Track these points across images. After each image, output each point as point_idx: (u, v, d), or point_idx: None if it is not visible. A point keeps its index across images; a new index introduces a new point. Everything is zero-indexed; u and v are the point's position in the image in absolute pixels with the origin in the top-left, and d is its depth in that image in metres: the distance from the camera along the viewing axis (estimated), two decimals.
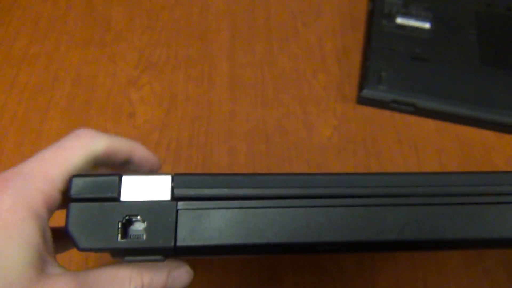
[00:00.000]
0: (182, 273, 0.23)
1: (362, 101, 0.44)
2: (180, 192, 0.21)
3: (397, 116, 0.44)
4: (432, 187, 0.21)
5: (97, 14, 0.50)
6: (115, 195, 0.20)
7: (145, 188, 0.21)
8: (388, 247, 0.22)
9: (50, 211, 0.21)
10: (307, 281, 0.35)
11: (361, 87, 0.44)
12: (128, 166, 0.25)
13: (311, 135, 0.42)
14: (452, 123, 0.44)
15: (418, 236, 0.21)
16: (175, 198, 0.21)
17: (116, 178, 0.21)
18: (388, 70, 0.45)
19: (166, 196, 0.21)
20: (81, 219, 0.20)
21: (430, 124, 0.44)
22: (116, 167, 0.25)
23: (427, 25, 0.49)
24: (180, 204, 0.21)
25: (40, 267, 0.19)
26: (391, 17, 0.49)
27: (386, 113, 0.44)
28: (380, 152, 0.41)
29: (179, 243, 0.20)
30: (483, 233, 0.21)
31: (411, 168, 0.40)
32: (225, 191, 0.21)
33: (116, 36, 0.48)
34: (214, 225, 0.20)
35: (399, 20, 0.49)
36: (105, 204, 0.20)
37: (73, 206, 0.21)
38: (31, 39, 0.47)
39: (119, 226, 0.20)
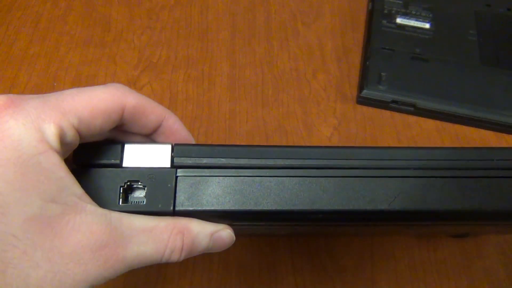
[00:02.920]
0: (224, 236, 0.22)
1: (362, 101, 0.44)
2: (180, 160, 0.22)
3: (397, 116, 0.44)
4: (423, 161, 0.22)
5: (97, 14, 0.50)
6: (117, 161, 0.21)
7: (146, 156, 0.22)
8: (379, 218, 0.22)
9: (64, 146, 0.19)
10: (307, 281, 0.35)
11: (361, 87, 0.44)
12: (157, 137, 0.24)
13: (311, 135, 0.42)
14: (452, 123, 0.44)
15: (408, 207, 0.21)
16: (174, 166, 0.22)
17: (119, 145, 0.22)
18: (388, 70, 0.45)
19: (166, 163, 0.22)
20: (85, 184, 0.21)
21: (430, 124, 0.44)
22: (145, 134, 0.24)
23: (427, 25, 0.49)
24: (180, 171, 0.21)
25: (66, 202, 0.18)
26: (391, 17, 0.49)
27: (386, 113, 0.44)
28: None
29: (177, 208, 0.21)
30: (472, 205, 0.22)
31: None
32: (222, 161, 0.22)
33: (116, 36, 0.48)
34: (212, 191, 0.21)
35: (399, 20, 0.49)
36: (108, 169, 0.21)
37: (77, 170, 0.21)
38: (31, 39, 0.47)
39: (121, 190, 0.21)
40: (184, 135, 0.24)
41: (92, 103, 0.20)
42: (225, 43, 0.49)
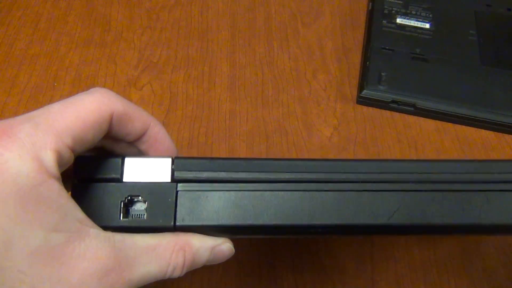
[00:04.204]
0: (224, 249, 0.23)
1: (362, 101, 0.44)
2: (180, 174, 0.22)
3: (397, 116, 0.44)
4: (423, 174, 0.22)
5: (97, 14, 0.50)
6: (118, 176, 0.21)
7: (146, 170, 0.22)
8: (379, 231, 0.22)
9: (60, 168, 0.19)
10: (307, 281, 0.35)
11: (361, 87, 0.44)
12: (141, 144, 0.24)
13: (311, 135, 0.42)
14: (452, 123, 0.44)
15: (408, 221, 0.21)
16: (175, 180, 0.22)
17: (119, 159, 0.22)
18: (388, 70, 0.45)
19: (167, 178, 0.22)
20: (86, 199, 0.21)
21: (430, 124, 0.44)
22: (129, 141, 0.23)
23: (427, 25, 0.49)
24: (180, 186, 0.21)
25: (69, 229, 0.18)
26: (391, 17, 0.49)
27: (386, 113, 0.44)
28: (380, 152, 0.41)
29: (178, 223, 0.21)
30: (471, 219, 0.22)
31: None
32: (223, 175, 0.22)
33: (116, 36, 0.48)
34: (212, 206, 0.21)
35: (399, 20, 0.49)
36: (109, 184, 0.21)
37: (77, 185, 0.21)
38: (31, 39, 0.47)
39: (121, 205, 0.21)
40: (167, 144, 0.24)
41: (82, 117, 0.20)
42: (225, 43, 0.49)
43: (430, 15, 0.49)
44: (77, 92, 0.46)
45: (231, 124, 0.43)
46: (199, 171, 0.22)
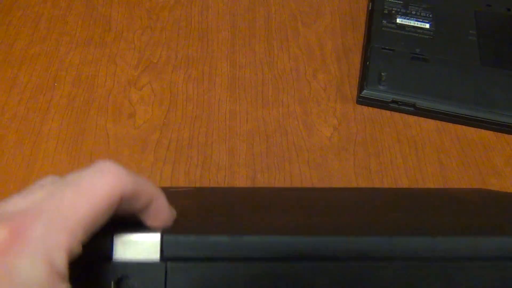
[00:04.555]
0: None
1: (362, 101, 0.44)
2: (169, 253, 0.22)
3: (397, 116, 0.44)
4: (410, 251, 0.22)
5: (97, 14, 0.50)
6: (107, 255, 0.21)
7: (136, 247, 0.22)
8: None
9: (69, 261, 0.19)
10: None
11: (361, 87, 0.44)
12: (140, 214, 0.23)
13: (311, 135, 0.42)
14: (452, 123, 0.44)
15: None
16: (164, 258, 0.22)
17: (109, 238, 0.21)
18: (388, 70, 0.45)
19: (156, 256, 0.22)
20: (78, 280, 0.20)
21: (430, 124, 0.44)
22: (129, 212, 0.23)
23: (427, 25, 0.49)
24: (169, 264, 0.22)
25: None
26: (391, 17, 0.49)
27: (386, 113, 0.44)
28: (380, 152, 0.41)
29: None
30: None
31: (410, 168, 0.40)
32: (211, 253, 0.22)
33: (116, 36, 0.48)
34: (200, 286, 0.21)
35: (399, 20, 0.49)
36: (100, 264, 0.21)
37: (69, 266, 0.21)
38: (32, 39, 0.47)
39: (112, 285, 0.21)
40: (166, 216, 0.24)
41: (94, 208, 0.19)
42: (225, 43, 0.49)
43: (430, 15, 0.49)
44: (77, 93, 0.46)
45: (231, 124, 0.43)
46: (187, 249, 0.22)
